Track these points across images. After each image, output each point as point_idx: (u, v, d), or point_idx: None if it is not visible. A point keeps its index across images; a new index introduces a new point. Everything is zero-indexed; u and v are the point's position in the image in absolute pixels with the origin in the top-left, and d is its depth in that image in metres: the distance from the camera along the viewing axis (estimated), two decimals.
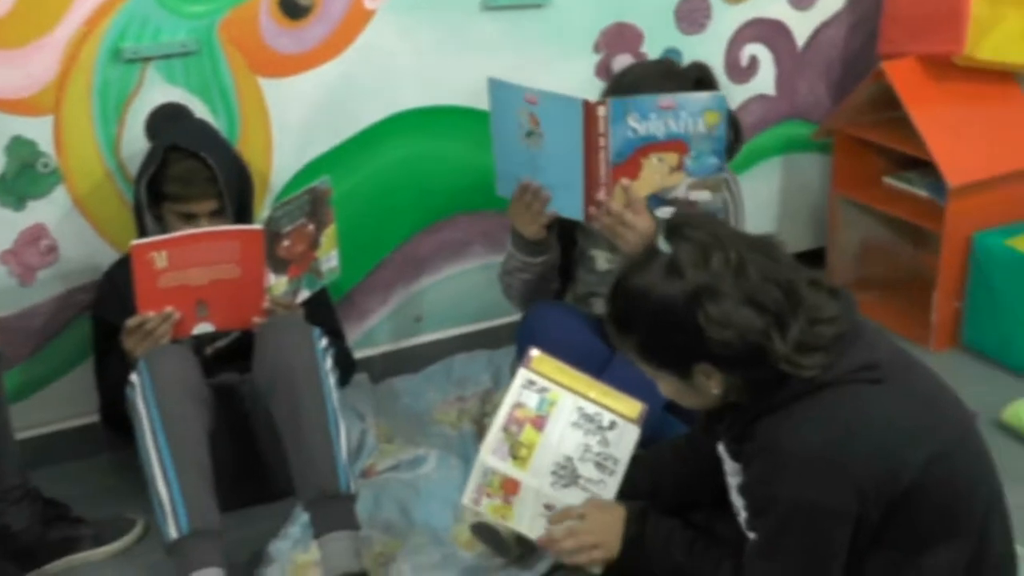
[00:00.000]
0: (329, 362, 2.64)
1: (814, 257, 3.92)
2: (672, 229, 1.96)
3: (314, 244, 2.73)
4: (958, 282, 3.57)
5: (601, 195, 2.63)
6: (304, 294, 2.76)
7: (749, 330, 1.87)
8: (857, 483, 1.84)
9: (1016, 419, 3.14)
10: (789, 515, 1.89)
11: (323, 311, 2.93)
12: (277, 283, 2.67)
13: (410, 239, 3.41)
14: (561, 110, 2.59)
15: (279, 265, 2.66)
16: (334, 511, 2.53)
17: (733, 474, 2.07)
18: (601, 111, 2.56)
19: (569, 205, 2.69)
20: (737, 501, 2.05)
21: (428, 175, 3.34)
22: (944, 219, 3.50)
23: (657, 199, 2.64)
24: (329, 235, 2.77)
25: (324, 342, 2.65)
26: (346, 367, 2.93)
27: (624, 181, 2.62)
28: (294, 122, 3.12)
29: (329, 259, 2.80)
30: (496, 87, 2.71)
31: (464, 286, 3.52)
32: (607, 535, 2.25)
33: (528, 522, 2.40)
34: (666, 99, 2.57)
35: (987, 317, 3.51)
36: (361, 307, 3.41)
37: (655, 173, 2.63)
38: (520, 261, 2.88)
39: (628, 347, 2.01)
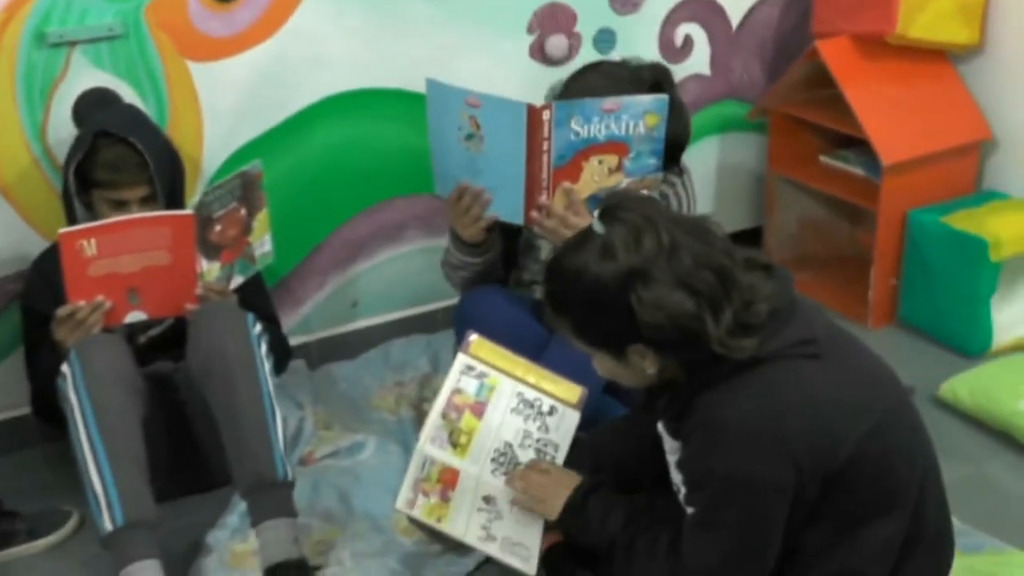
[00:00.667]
0: (264, 348, 2.63)
1: (751, 236, 3.96)
2: (606, 210, 1.97)
3: (246, 229, 2.72)
4: (894, 259, 3.62)
5: (543, 198, 2.63)
6: (237, 280, 2.75)
7: (682, 314, 1.89)
8: (794, 457, 1.87)
9: (952, 395, 3.18)
10: (726, 489, 1.91)
11: (258, 297, 2.91)
12: (209, 269, 2.65)
13: (345, 223, 3.40)
14: (504, 114, 2.58)
15: (211, 250, 2.65)
16: (271, 499, 2.53)
17: (672, 452, 2.08)
18: (546, 115, 2.55)
19: (509, 208, 2.68)
20: (676, 477, 2.07)
21: (362, 158, 3.34)
22: (879, 197, 3.54)
23: (596, 200, 2.65)
24: (261, 220, 2.75)
25: (258, 328, 2.64)
26: (282, 354, 2.92)
27: (565, 184, 2.63)
28: (225, 106, 3.10)
29: (262, 244, 2.79)
30: (435, 89, 2.68)
31: (400, 270, 3.52)
32: (552, 496, 2.28)
33: (464, 522, 2.37)
34: (609, 102, 2.58)
35: (923, 294, 3.56)
36: (296, 293, 3.40)
37: (595, 175, 2.64)
38: (459, 260, 2.88)
39: (563, 327, 2.03)
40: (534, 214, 2.65)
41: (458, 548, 2.61)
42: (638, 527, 2.16)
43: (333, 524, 2.76)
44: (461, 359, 2.50)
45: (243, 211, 2.68)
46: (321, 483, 2.89)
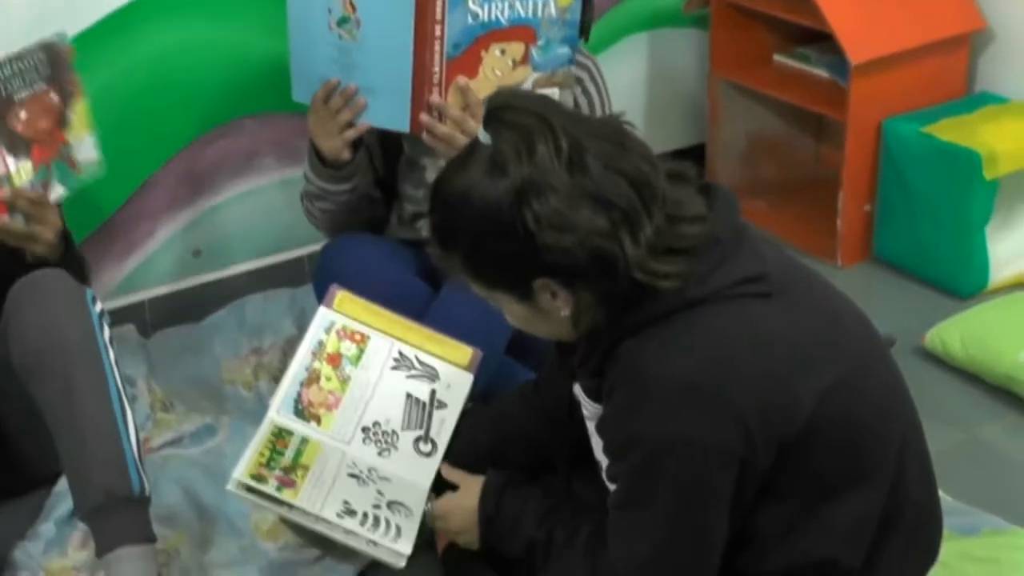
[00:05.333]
0: (107, 332, 2.59)
1: (692, 157, 3.96)
2: (491, 114, 1.97)
3: (62, 121, 2.68)
4: (867, 181, 3.66)
5: (434, 97, 2.63)
6: (58, 190, 2.70)
7: (591, 232, 1.88)
8: (740, 417, 1.88)
9: (940, 345, 3.23)
10: (657, 457, 1.91)
11: None
12: (19, 170, 2.61)
13: (182, 152, 3.38)
14: None
15: (18, 145, 2.60)
16: (124, 520, 2.48)
17: (593, 418, 2.10)
18: None
19: (392, 113, 2.68)
20: (598, 448, 2.09)
21: (201, 69, 3.32)
22: (848, 104, 3.57)
23: None
24: (80, 113, 2.71)
25: (99, 306, 2.61)
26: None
27: (461, 79, 2.63)
28: (16, 6, 3.05)
29: (83, 146, 2.74)
30: None
31: (255, 208, 3.51)
32: (466, 520, 2.33)
33: (322, 498, 2.39)
34: None
35: (903, 222, 3.61)
36: (124, 240, 3.38)
37: (496, 68, 2.65)
38: (319, 188, 2.87)
39: (454, 265, 2.03)
40: (424, 117, 2.65)
41: (338, 553, 2.62)
42: (556, 519, 2.18)
43: (177, 528, 2.75)
44: (323, 314, 2.51)
45: (54, 96, 2.64)
46: (161, 478, 2.86)
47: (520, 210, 1.89)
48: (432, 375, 2.50)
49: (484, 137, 1.96)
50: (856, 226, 3.70)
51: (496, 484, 2.32)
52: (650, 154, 1.97)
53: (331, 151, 2.77)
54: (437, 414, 2.47)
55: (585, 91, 2.85)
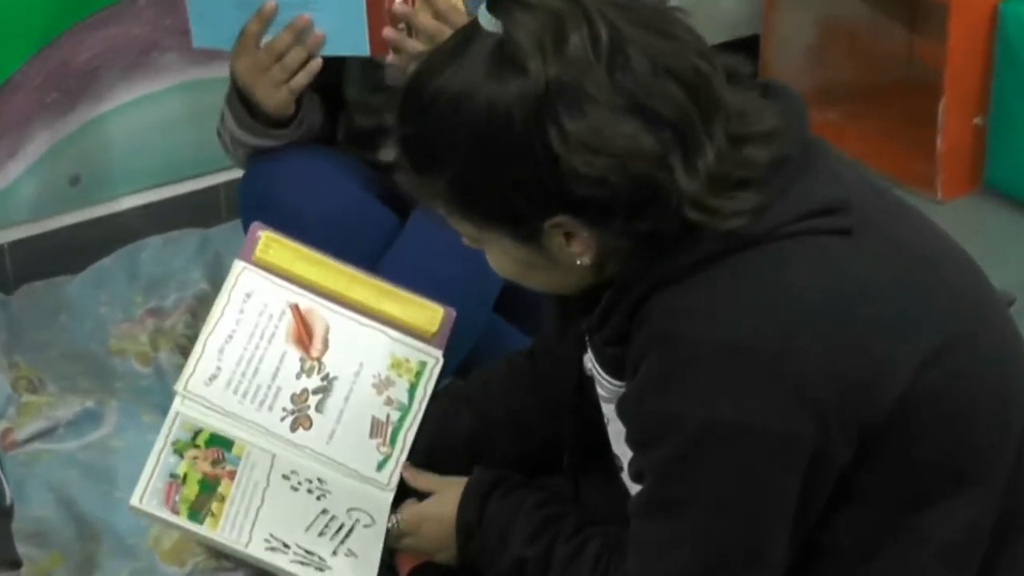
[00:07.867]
0: None
1: (743, 51, 3.98)
2: None
3: None
4: (978, 85, 3.69)
5: (397, 5, 2.63)
6: None
7: (634, 155, 1.85)
8: (812, 393, 1.87)
9: None
10: (698, 444, 1.90)
11: None
12: None
13: (55, 42, 3.40)
14: None
15: None
16: None
17: (612, 398, 2.09)
18: None
19: (343, 34, 2.68)
20: (617, 437, 2.09)
21: None
22: None
23: None
24: None
25: None
26: None
27: None
28: None
29: None
30: None
31: (152, 120, 3.54)
32: (443, 535, 2.36)
33: (249, 524, 2.39)
34: None
35: None
36: None
37: None
38: (248, 144, 2.89)
39: (433, 195, 2.01)
40: (388, 32, 2.64)
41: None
42: (557, 531, 2.20)
43: (49, 548, 2.77)
44: (240, 271, 2.52)
45: None
46: (27, 482, 2.90)
47: (542, 124, 1.86)
48: (387, 342, 2.52)
49: (489, 22, 1.91)
50: (962, 145, 3.73)
51: (480, 485, 2.33)
52: (707, 50, 1.94)
53: (275, 107, 2.77)
54: (394, 401, 2.50)
55: None
